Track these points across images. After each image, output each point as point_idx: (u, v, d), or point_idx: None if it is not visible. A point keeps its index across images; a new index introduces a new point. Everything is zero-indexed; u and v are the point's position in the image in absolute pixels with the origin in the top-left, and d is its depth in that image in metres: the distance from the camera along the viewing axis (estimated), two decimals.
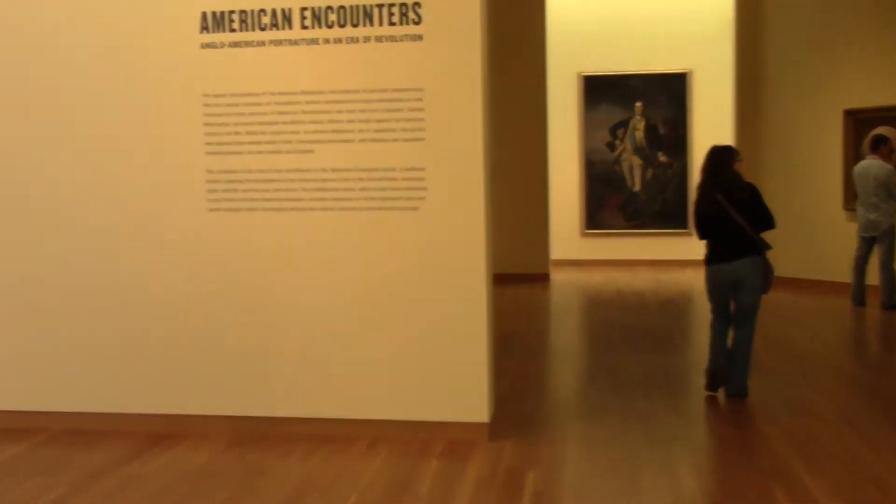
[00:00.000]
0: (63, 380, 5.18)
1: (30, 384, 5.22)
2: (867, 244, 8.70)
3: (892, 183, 8.41)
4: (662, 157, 12.61)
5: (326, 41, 4.81)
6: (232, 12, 4.87)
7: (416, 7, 4.72)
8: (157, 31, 4.94)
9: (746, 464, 4.46)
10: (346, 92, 4.81)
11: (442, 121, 4.74)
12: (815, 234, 9.96)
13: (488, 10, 5.02)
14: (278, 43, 4.85)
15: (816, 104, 9.96)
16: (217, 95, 4.91)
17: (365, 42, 4.78)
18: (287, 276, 4.94)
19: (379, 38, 4.76)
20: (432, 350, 4.84)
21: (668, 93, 12.49)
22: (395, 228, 4.82)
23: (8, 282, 5.21)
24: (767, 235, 5.61)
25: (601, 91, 12.63)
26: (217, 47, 4.89)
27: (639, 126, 12.62)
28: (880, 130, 8.97)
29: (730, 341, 5.79)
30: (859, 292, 8.82)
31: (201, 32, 4.90)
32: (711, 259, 5.71)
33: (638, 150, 12.66)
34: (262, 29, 4.85)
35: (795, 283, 9.82)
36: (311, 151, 4.86)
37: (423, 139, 4.76)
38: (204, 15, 4.89)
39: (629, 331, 7.98)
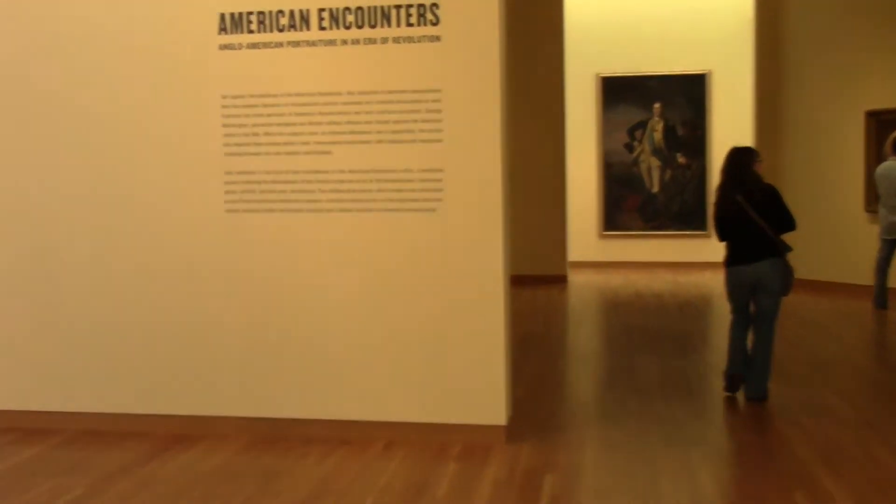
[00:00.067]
0: (81, 381, 5.21)
1: (48, 385, 5.25)
2: (889, 246, 8.61)
3: None
4: (681, 159, 12.54)
5: (344, 42, 4.81)
6: (250, 13, 4.87)
7: (434, 8, 4.71)
8: (176, 33, 4.96)
9: (766, 467, 4.42)
10: (364, 93, 4.80)
11: (459, 122, 4.72)
12: (836, 236, 9.87)
13: (506, 11, 5.00)
14: (296, 44, 4.85)
15: (838, 105, 9.87)
16: (235, 97, 4.92)
17: (383, 43, 4.77)
18: (304, 277, 4.94)
19: (397, 40, 4.76)
20: (449, 352, 4.83)
21: (687, 94, 12.41)
22: (412, 230, 4.81)
23: (26, 283, 5.23)
24: (788, 237, 5.56)
25: (619, 92, 12.57)
26: (235, 48, 4.90)
27: (657, 127, 12.55)
28: None
29: (750, 344, 5.74)
30: (881, 295, 8.72)
31: (219, 34, 4.91)
32: (731, 261, 5.67)
33: (656, 152, 12.59)
34: (280, 30, 4.86)
35: (816, 286, 9.74)
36: (328, 153, 4.86)
37: (440, 140, 4.75)
38: (222, 16, 4.90)
39: (648, 333, 7.93)
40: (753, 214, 5.47)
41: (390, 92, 4.78)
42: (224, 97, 4.93)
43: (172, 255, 5.06)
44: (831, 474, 4.26)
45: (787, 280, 5.56)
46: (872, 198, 9.16)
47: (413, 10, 4.73)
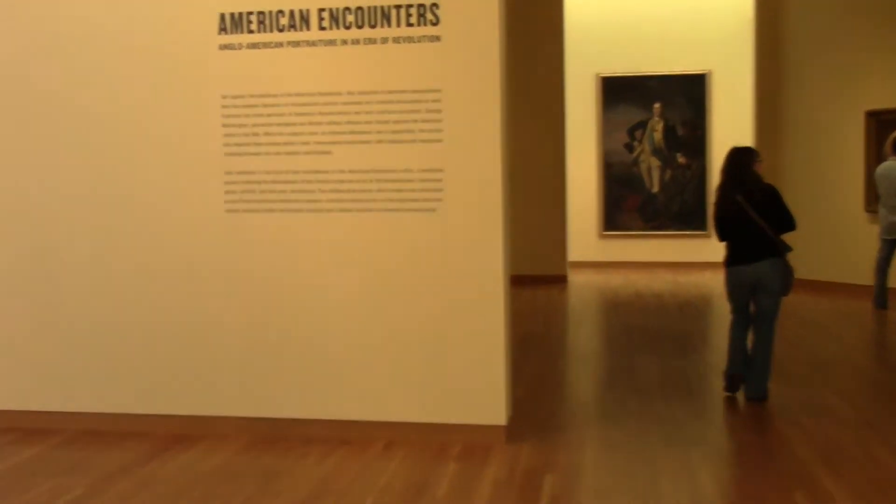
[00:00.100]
0: (81, 381, 5.21)
1: (48, 385, 5.25)
2: (889, 246, 8.60)
3: None
4: (681, 159, 12.54)
5: (344, 42, 4.81)
6: (250, 13, 4.87)
7: (434, 8, 4.71)
8: (176, 33, 4.96)
9: (766, 467, 4.42)
10: (364, 93, 4.80)
11: (459, 122, 4.72)
12: (836, 236, 9.87)
13: (506, 11, 5.00)
14: (296, 44, 4.85)
15: (838, 105, 9.87)
16: (235, 97, 4.92)
17: (383, 43, 4.77)
18: (304, 277, 4.94)
19: (397, 39, 4.76)
20: (449, 352, 4.83)
21: (687, 94, 12.41)
22: (412, 230, 4.81)
23: (26, 283, 5.23)
24: (788, 237, 5.56)
25: (619, 92, 12.57)
26: (235, 48, 4.90)
27: (657, 127, 12.55)
28: None
29: (750, 344, 5.74)
30: (881, 295, 8.72)
31: (220, 34, 4.91)
32: (731, 260, 5.67)
33: (656, 152, 12.59)
34: (281, 30, 4.86)
35: (816, 286, 9.74)
36: (328, 153, 4.86)
37: (440, 140, 4.74)
38: (222, 16, 4.90)
39: (648, 333, 7.93)
40: (753, 214, 5.47)
41: (390, 92, 4.78)
42: (224, 97, 4.93)
43: (172, 255, 5.06)
44: (831, 474, 4.26)
45: (787, 280, 5.56)
46: (872, 198, 9.16)
47: (413, 10, 4.73)
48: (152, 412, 5.14)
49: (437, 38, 4.72)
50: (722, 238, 5.73)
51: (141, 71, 5.01)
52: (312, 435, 4.94)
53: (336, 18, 4.81)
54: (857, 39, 9.64)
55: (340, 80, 4.82)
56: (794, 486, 4.14)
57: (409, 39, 4.75)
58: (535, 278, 10.99)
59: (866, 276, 9.09)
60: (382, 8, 4.75)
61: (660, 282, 11.15)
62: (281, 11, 4.85)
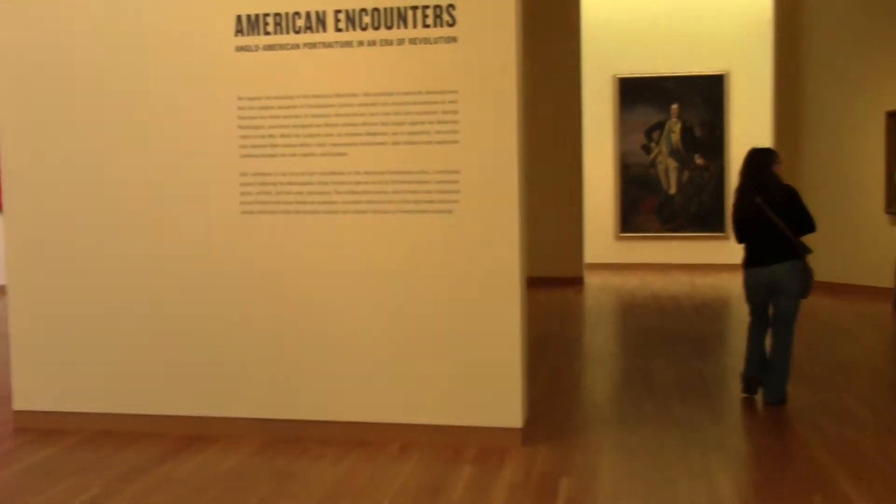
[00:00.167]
0: (96, 381, 5.22)
1: (64, 385, 5.27)
2: None
3: None
4: (699, 160, 12.47)
5: (360, 44, 4.80)
6: (266, 15, 4.88)
7: (451, 9, 4.69)
8: (193, 35, 4.97)
9: (785, 472, 4.38)
10: (380, 94, 4.79)
11: (476, 123, 4.71)
12: (855, 237, 9.79)
13: (523, 12, 4.98)
14: (312, 46, 4.85)
15: (858, 105, 9.80)
16: (251, 98, 4.92)
17: (399, 44, 4.76)
18: (319, 278, 4.94)
19: (413, 41, 4.74)
20: (465, 354, 4.81)
21: (705, 95, 12.35)
22: (428, 231, 4.80)
23: (40, 284, 5.25)
24: (807, 239, 5.52)
25: (636, 93, 12.52)
26: (252, 50, 4.90)
27: (675, 128, 12.49)
28: None
29: (768, 347, 5.69)
30: None
31: (236, 35, 4.92)
32: (749, 262, 5.63)
33: (674, 153, 12.53)
34: (297, 32, 4.86)
35: (835, 288, 9.66)
36: (344, 154, 4.85)
37: (457, 142, 4.73)
38: (239, 18, 4.90)
39: (664, 335, 7.89)
40: (772, 216, 5.43)
41: (406, 93, 4.77)
42: (240, 99, 4.94)
43: (188, 257, 5.07)
44: (851, 479, 4.22)
45: (806, 282, 5.51)
46: (893, 199, 9.09)
47: (429, 11, 4.72)
48: (167, 413, 5.15)
49: (454, 40, 4.70)
50: (741, 240, 5.69)
51: (157, 72, 5.02)
52: (328, 436, 4.93)
53: (352, 20, 4.80)
54: (878, 39, 9.57)
55: (356, 81, 4.81)
56: (813, 490, 4.10)
57: (426, 40, 4.74)
58: (552, 280, 10.97)
59: (886, 279, 9.01)
60: (399, 9, 4.74)
61: (677, 284, 11.09)
62: (297, 13, 4.85)
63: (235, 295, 5.03)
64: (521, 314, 4.80)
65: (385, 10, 4.75)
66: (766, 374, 5.62)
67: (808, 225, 5.49)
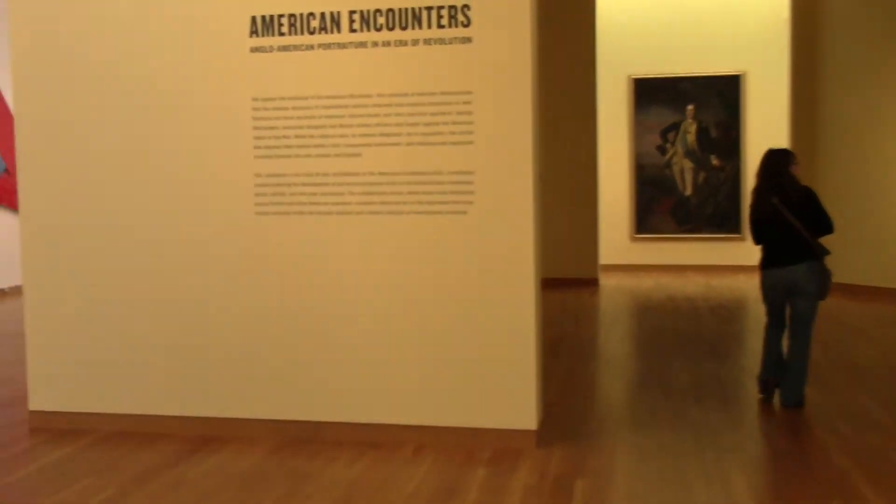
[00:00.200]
0: (111, 382, 5.23)
1: (79, 386, 5.28)
2: None
3: None
4: (715, 161, 12.40)
5: (375, 44, 4.79)
6: (281, 16, 4.87)
7: (466, 9, 4.68)
8: (207, 36, 4.97)
9: (804, 476, 4.33)
10: (395, 95, 4.78)
11: (491, 124, 4.69)
12: (874, 238, 9.71)
13: (538, 12, 4.95)
14: (327, 46, 4.84)
15: (876, 105, 9.72)
16: (266, 99, 4.92)
17: (413, 45, 4.75)
18: (334, 280, 4.93)
19: (428, 41, 4.73)
20: (480, 356, 4.79)
21: (721, 95, 12.28)
22: (443, 232, 4.78)
23: (59, 285, 5.27)
24: (825, 240, 5.47)
25: (652, 94, 12.47)
26: (266, 51, 4.90)
27: (690, 129, 12.42)
28: None
29: (785, 349, 5.65)
30: None
31: (251, 36, 4.92)
32: (766, 263, 5.58)
33: (689, 154, 12.47)
34: (311, 32, 4.85)
35: (854, 290, 9.59)
36: (358, 155, 4.85)
37: (471, 142, 4.71)
38: (253, 19, 4.91)
39: (680, 337, 7.84)
40: (789, 217, 5.38)
41: (421, 94, 4.75)
42: (255, 100, 4.94)
43: (202, 258, 5.07)
44: (870, 483, 4.17)
45: (824, 283, 5.46)
46: None
47: (444, 12, 4.70)
48: (182, 414, 5.16)
49: (469, 40, 4.69)
50: (757, 241, 5.65)
51: (173, 73, 5.03)
52: (342, 438, 4.93)
53: (367, 20, 4.80)
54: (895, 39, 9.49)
55: (371, 82, 4.81)
56: (832, 494, 4.05)
57: (441, 41, 4.72)
58: (566, 281, 10.93)
59: None
60: (413, 10, 4.73)
61: (692, 285, 11.03)
62: (312, 14, 4.84)
63: (250, 296, 5.03)
64: (535, 315, 4.77)
65: (399, 10, 4.74)
66: (783, 376, 5.57)
67: (826, 226, 5.45)
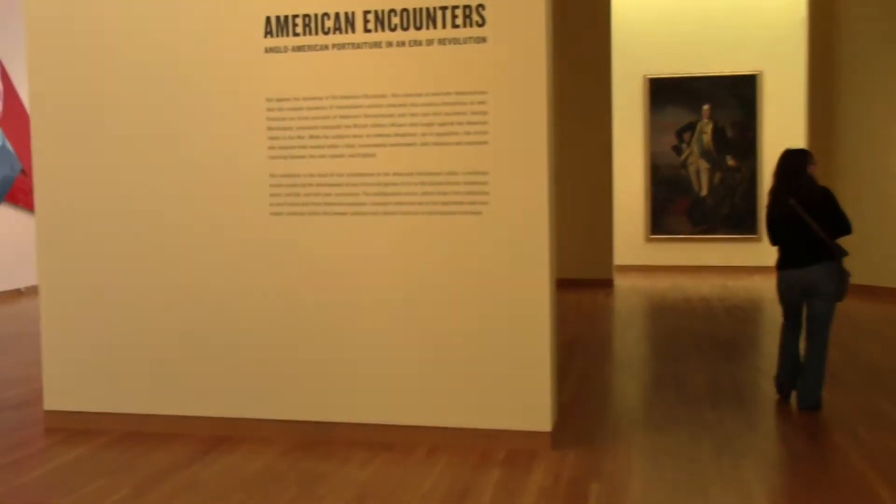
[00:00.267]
0: (126, 382, 5.25)
1: (94, 386, 5.30)
2: None
3: None
4: (731, 161, 12.34)
5: (389, 44, 4.78)
6: (296, 17, 4.87)
7: (480, 9, 4.66)
8: (222, 36, 4.97)
9: (820, 478, 4.29)
10: (409, 95, 4.77)
11: (505, 124, 4.67)
12: (893, 240, 9.62)
13: (553, 12, 4.93)
14: (341, 47, 4.83)
15: (893, 104, 9.63)
16: (280, 100, 4.92)
17: (428, 45, 4.73)
18: (348, 280, 4.92)
19: (442, 41, 4.72)
20: (494, 357, 4.77)
21: (737, 95, 12.22)
22: (457, 233, 4.77)
23: (74, 285, 5.28)
24: (843, 241, 5.42)
25: (667, 93, 12.42)
26: (281, 51, 4.90)
27: (706, 129, 12.36)
28: None
29: (802, 351, 5.60)
30: None
31: (265, 37, 4.92)
32: (783, 264, 5.54)
33: (705, 154, 12.41)
34: (326, 33, 4.85)
35: (872, 291, 9.50)
36: (373, 155, 4.84)
37: (486, 143, 4.69)
38: (268, 19, 4.90)
39: (696, 338, 7.79)
40: (806, 217, 5.34)
41: (435, 94, 4.74)
42: (269, 100, 4.93)
43: (216, 258, 5.08)
44: (889, 486, 4.13)
45: (841, 285, 5.41)
46: None
47: (459, 12, 4.69)
48: (196, 414, 5.16)
49: (483, 40, 4.67)
50: (774, 242, 5.60)
51: (187, 74, 5.03)
52: (355, 439, 4.92)
53: (381, 20, 4.78)
54: None
55: (385, 82, 4.79)
56: (850, 497, 4.01)
57: (455, 41, 4.70)
58: (581, 282, 10.90)
59: None
60: (428, 9, 4.72)
61: (708, 286, 10.98)
62: (326, 14, 4.84)
63: (265, 296, 5.03)
64: (550, 316, 4.75)
65: (414, 10, 4.73)
66: (800, 378, 5.53)
67: (844, 227, 5.39)
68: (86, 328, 5.29)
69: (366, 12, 4.79)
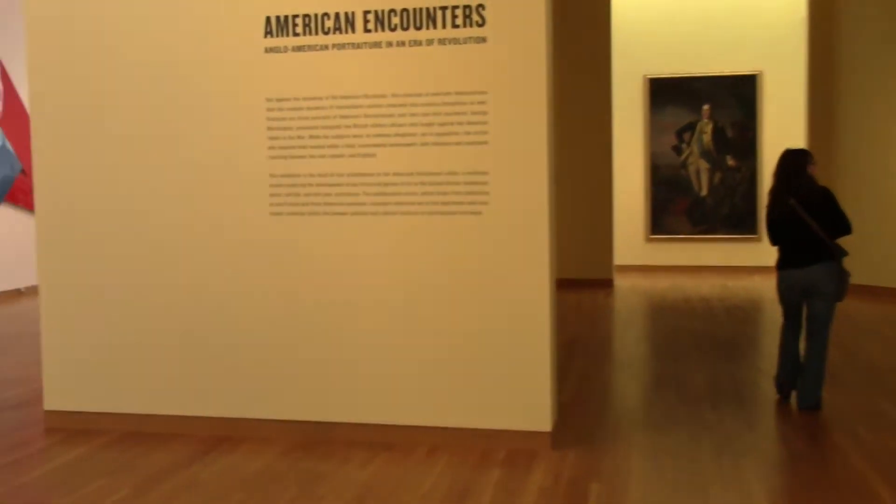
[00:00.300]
0: (126, 382, 5.24)
1: (94, 386, 5.29)
2: None
3: None
4: (731, 161, 12.34)
5: (389, 44, 4.78)
6: (296, 17, 4.87)
7: (480, 9, 4.66)
8: (222, 36, 4.97)
9: (821, 478, 4.29)
10: (409, 95, 4.77)
11: (505, 124, 4.67)
12: (893, 239, 9.62)
13: (553, 12, 4.93)
14: (341, 47, 4.83)
15: (893, 104, 9.62)
16: (280, 100, 4.92)
17: (428, 45, 4.73)
18: (348, 280, 4.92)
19: (442, 41, 4.71)
20: (494, 357, 4.77)
21: (737, 95, 12.22)
22: (457, 233, 4.77)
23: (74, 285, 5.28)
24: (843, 241, 5.42)
25: (667, 93, 12.42)
26: (281, 52, 4.90)
27: (706, 129, 12.36)
28: None
29: (802, 351, 5.60)
30: None
31: (265, 37, 4.92)
32: (783, 264, 5.54)
33: (705, 154, 12.41)
34: (326, 33, 4.84)
35: (871, 291, 9.50)
36: (373, 155, 4.84)
37: (486, 143, 4.69)
38: (268, 19, 4.90)
39: (696, 338, 7.79)
40: (807, 217, 5.34)
41: (435, 94, 4.74)
42: (269, 100, 4.93)
43: (216, 258, 5.07)
44: (889, 486, 4.12)
45: (842, 285, 5.41)
46: None
47: (459, 12, 4.69)
48: (196, 414, 5.16)
49: (483, 40, 4.67)
50: (774, 242, 5.60)
51: (187, 74, 5.03)
52: (355, 439, 4.92)
53: (381, 20, 4.78)
54: None
55: (385, 82, 4.79)
56: (851, 498, 4.01)
57: (455, 41, 4.70)
58: (581, 282, 10.89)
59: None
60: (428, 9, 4.71)
61: (708, 286, 10.97)
62: (326, 14, 4.84)
63: (264, 296, 5.03)
64: (550, 316, 4.75)
65: (414, 10, 4.73)
66: (800, 378, 5.52)
67: (844, 227, 5.39)
68: (86, 328, 5.29)
69: (366, 12, 4.79)
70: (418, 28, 4.74)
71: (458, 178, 4.74)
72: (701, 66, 12.25)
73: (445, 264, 4.80)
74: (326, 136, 4.88)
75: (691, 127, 12.40)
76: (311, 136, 4.91)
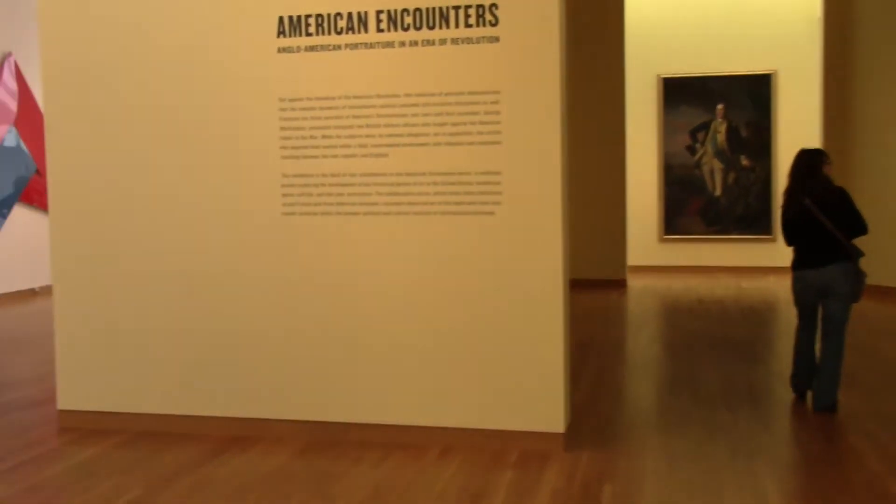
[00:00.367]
0: (140, 381, 5.25)
1: (108, 385, 5.31)
2: None
3: None
4: (745, 161, 12.28)
5: (402, 44, 4.77)
6: (308, 17, 4.87)
7: (494, 8, 4.64)
8: (235, 36, 4.98)
9: (837, 481, 4.26)
10: (422, 95, 4.76)
11: (519, 124, 4.65)
12: None
13: (566, 11, 4.91)
14: (354, 46, 4.83)
15: None
16: (293, 100, 4.92)
17: (441, 44, 4.72)
18: (360, 281, 4.92)
19: (455, 41, 4.70)
20: (507, 358, 4.75)
21: (751, 94, 12.15)
22: (470, 233, 4.75)
23: (89, 285, 5.30)
24: (859, 241, 5.38)
25: (681, 93, 12.37)
26: (293, 51, 4.90)
27: (720, 129, 12.31)
28: None
29: (817, 352, 5.56)
30: None
31: (278, 37, 4.92)
32: (799, 264, 5.50)
33: (719, 154, 12.35)
34: (339, 33, 4.84)
35: (888, 292, 9.43)
36: (385, 155, 4.83)
37: (499, 143, 4.68)
38: (281, 19, 4.90)
39: (710, 339, 7.75)
40: (822, 217, 5.30)
41: (448, 94, 4.73)
42: (282, 100, 4.93)
43: (230, 258, 5.08)
44: None
45: (857, 286, 5.37)
46: None
47: (472, 11, 4.67)
48: (209, 414, 5.17)
49: (496, 39, 4.65)
50: (789, 242, 5.57)
51: (200, 74, 5.04)
52: (368, 439, 4.91)
53: (394, 20, 4.78)
54: None
55: (398, 82, 4.78)
56: (866, 500, 3.98)
57: (468, 40, 4.69)
58: (595, 282, 10.86)
59: None
60: (441, 9, 4.70)
61: (722, 287, 10.92)
62: (339, 14, 4.83)
63: (276, 297, 5.03)
64: (563, 317, 4.73)
65: (427, 10, 4.72)
66: (815, 379, 5.49)
67: (860, 227, 5.35)
68: (100, 328, 5.30)
69: (378, 12, 4.78)
70: (431, 28, 4.73)
71: (470, 178, 4.73)
72: (715, 65, 12.20)
73: (458, 264, 4.78)
74: (339, 136, 4.88)
75: (705, 126, 12.35)
76: (324, 136, 4.90)
